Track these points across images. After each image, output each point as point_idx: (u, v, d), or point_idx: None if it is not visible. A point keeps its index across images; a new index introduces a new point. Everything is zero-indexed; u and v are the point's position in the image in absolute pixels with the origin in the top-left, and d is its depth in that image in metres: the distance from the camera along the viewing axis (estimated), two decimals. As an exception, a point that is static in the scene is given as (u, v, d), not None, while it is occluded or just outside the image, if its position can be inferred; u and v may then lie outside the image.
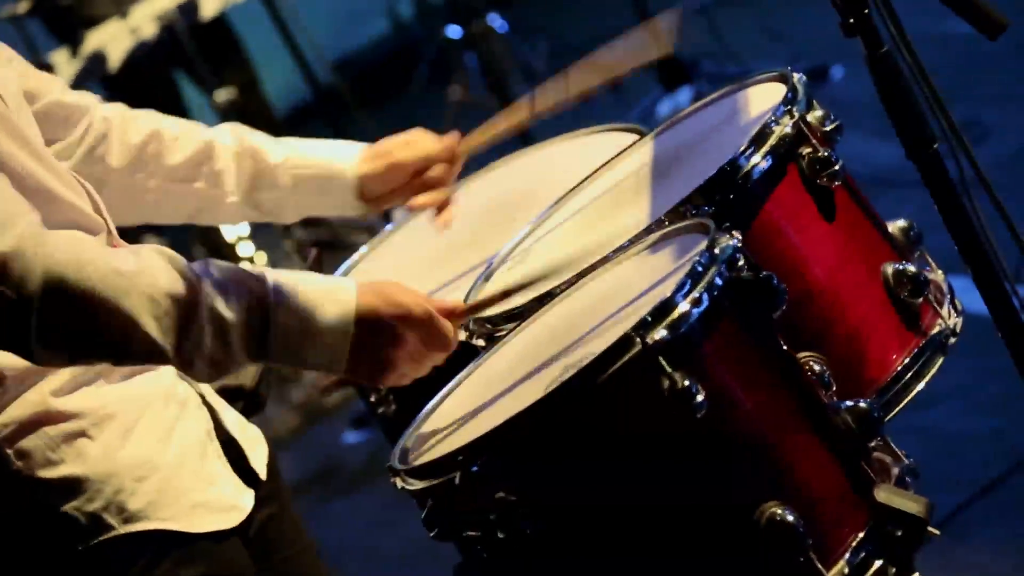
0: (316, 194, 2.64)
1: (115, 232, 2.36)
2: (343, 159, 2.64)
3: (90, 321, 2.02)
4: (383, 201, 2.67)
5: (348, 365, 2.11)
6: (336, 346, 2.10)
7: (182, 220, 2.62)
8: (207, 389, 2.38)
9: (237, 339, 2.06)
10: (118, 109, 2.58)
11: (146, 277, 2.03)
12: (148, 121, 2.58)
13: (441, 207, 2.68)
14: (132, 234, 2.46)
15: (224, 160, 2.60)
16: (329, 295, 2.11)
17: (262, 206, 2.64)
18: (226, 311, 2.05)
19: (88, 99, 2.56)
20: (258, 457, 2.42)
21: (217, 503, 2.32)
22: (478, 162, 3.02)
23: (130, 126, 2.57)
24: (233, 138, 2.62)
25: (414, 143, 2.64)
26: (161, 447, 2.27)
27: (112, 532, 2.23)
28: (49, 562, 2.24)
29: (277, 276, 2.11)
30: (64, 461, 2.22)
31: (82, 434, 2.22)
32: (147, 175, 2.58)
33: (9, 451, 2.20)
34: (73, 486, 2.22)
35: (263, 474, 2.40)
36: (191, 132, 2.60)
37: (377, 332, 2.12)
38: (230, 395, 2.42)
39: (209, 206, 2.64)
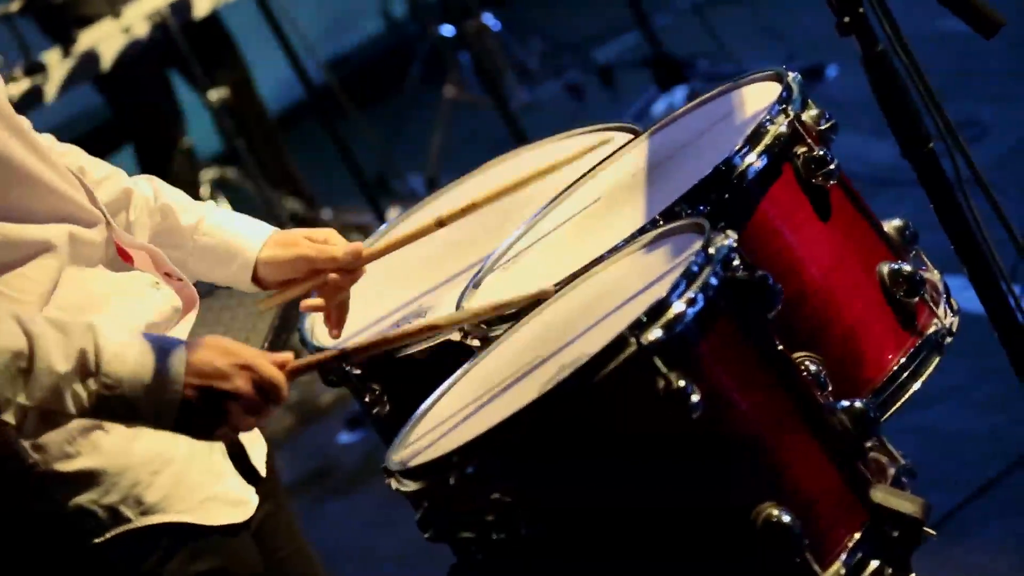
0: (214, 264, 2.60)
1: (114, 224, 2.36)
2: (250, 238, 2.59)
3: None
4: (277, 289, 2.60)
5: (179, 416, 2.12)
6: (164, 399, 2.11)
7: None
8: None
9: (68, 392, 2.08)
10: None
11: None
12: (74, 159, 2.52)
13: (333, 314, 2.60)
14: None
15: (138, 211, 2.54)
16: (158, 347, 2.12)
17: None
18: (59, 364, 2.07)
19: None
20: (257, 454, 2.43)
21: (227, 497, 2.34)
22: (474, 162, 3.01)
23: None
24: (152, 191, 2.57)
25: (324, 242, 2.58)
26: (173, 441, 2.27)
27: (129, 525, 2.25)
28: (63, 557, 2.25)
29: (107, 331, 2.12)
30: (81, 454, 2.23)
31: (97, 427, 2.23)
32: None
33: (26, 444, 2.21)
34: (90, 479, 2.23)
35: (263, 471, 2.41)
36: (114, 177, 2.54)
37: (212, 378, 2.12)
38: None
39: None
